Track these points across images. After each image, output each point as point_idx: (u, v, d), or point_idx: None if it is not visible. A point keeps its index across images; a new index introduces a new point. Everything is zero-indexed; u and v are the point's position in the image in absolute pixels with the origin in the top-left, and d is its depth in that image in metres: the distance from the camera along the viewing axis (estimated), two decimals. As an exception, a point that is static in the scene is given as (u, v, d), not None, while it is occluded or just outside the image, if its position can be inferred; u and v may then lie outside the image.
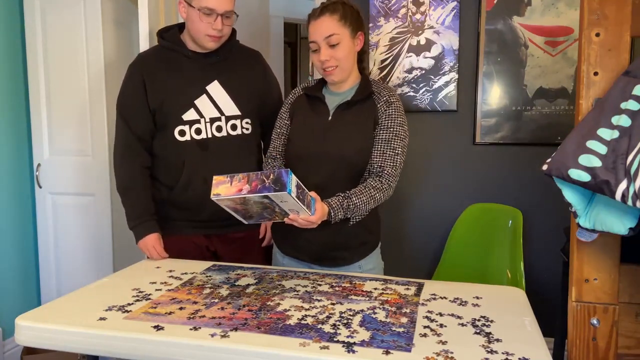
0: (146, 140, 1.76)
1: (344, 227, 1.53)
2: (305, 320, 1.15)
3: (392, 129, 1.52)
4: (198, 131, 1.73)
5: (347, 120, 1.55)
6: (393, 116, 1.53)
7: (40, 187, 2.71)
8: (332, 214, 1.41)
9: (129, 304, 1.24)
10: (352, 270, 1.59)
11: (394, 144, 1.52)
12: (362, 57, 1.63)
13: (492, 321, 1.16)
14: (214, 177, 1.29)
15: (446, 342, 1.05)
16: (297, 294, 1.32)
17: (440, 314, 1.20)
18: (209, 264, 1.62)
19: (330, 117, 1.57)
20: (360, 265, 1.60)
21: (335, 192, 1.48)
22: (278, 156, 1.68)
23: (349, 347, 1.02)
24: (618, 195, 0.93)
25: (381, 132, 1.53)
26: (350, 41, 1.53)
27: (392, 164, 1.51)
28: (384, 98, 1.55)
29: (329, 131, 1.55)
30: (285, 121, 1.66)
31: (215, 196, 1.27)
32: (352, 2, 1.58)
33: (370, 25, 2.66)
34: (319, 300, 1.27)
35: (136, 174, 1.76)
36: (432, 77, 2.61)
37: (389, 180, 1.51)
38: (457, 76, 2.59)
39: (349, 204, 1.44)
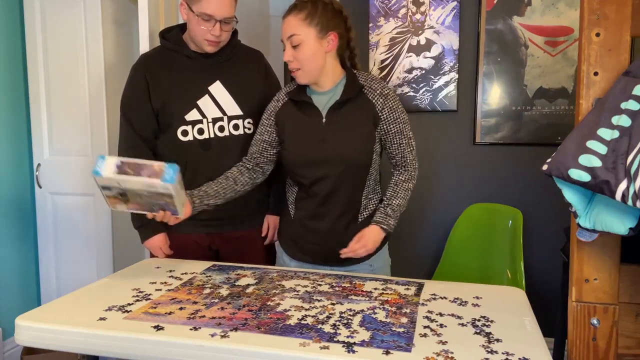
0: (150, 140, 1.77)
1: (351, 226, 1.55)
2: (305, 320, 1.15)
3: (399, 119, 1.53)
4: (200, 131, 1.73)
5: (343, 120, 1.52)
6: (394, 107, 1.53)
7: (40, 187, 2.71)
8: (385, 227, 1.51)
9: (129, 304, 1.24)
10: (363, 268, 1.60)
11: (405, 132, 1.55)
12: (352, 54, 1.58)
13: (492, 321, 1.16)
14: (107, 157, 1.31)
15: (446, 342, 1.05)
16: (297, 294, 1.32)
17: (440, 314, 1.20)
18: (209, 264, 1.62)
19: (324, 120, 1.53)
20: (372, 263, 1.61)
21: (345, 193, 1.52)
22: (252, 165, 1.64)
23: (349, 347, 1.02)
24: (618, 195, 0.93)
25: (390, 126, 1.53)
26: (315, 42, 1.46)
27: (410, 150, 1.57)
28: (378, 91, 1.53)
29: (326, 134, 1.52)
30: (268, 128, 1.61)
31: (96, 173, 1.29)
32: (333, 0, 1.49)
33: (370, 25, 2.66)
34: (319, 300, 1.27)
35: None
36: (432, 77, 2.61)
37: (413, 166, 1.58)
38: (457, 76, 2.59)
39: (393, 209, 1.53)
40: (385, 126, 1.53)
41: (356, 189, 1.54)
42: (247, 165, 1.65)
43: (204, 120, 1.73)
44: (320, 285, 1.40)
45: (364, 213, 1.58)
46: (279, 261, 1.72)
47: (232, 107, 1.75)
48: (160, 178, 1.29)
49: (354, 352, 1.00)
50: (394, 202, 1.54)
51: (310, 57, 1.47)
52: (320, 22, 1.45)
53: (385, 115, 1.52)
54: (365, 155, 1.52)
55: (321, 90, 1.56)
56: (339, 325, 1.12)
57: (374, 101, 1.52)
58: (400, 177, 1.58)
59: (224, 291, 1.34)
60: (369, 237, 1.50)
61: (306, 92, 1.57)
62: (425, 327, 1.13)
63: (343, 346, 1.02)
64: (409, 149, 1.56)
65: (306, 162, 1.54)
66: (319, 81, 1.54)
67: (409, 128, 1.56)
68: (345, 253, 1.50)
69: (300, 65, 1.47)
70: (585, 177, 0.97)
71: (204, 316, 1.17)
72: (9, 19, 2.60)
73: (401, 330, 1.10)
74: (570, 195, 1.04)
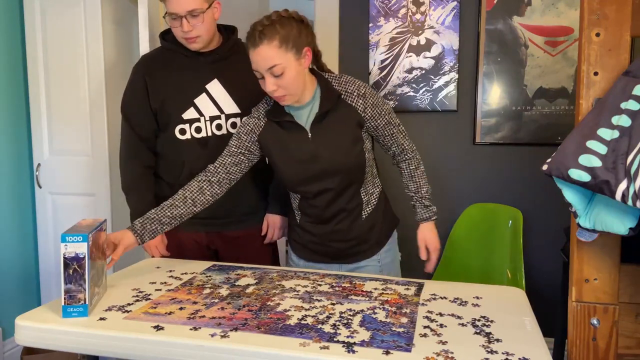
0: (149, 140, 1.78)
1: (356, 223, 1.57)
2: (305, 320, 1.15)
3: (384, 112, 1.53)
4: (198, 130, 1.73)
5: (328, 131, 1.49)
6: (375, 103, 1.51)
7: (40, 187, 2.71)
8: (434, 217, 1.63)
9: (129, 304, 1.24)
10: (371, 264, 1.62)
11: (393, 121, 1.56)
12: (316, 59, 1.52)
13: (492, 321, 1.16)
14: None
15: (446, 342, 1.05)
16: (297, 294, 1.32)
17: (440, 314, 1.20)
18: (208, 264, 1.62)
19: (309, 135, 1.49)
20: (380, 259, 1.63)
21: (348, 196, 1.53)
22: (219, 177, 1.52)
23: (349, 347, 1.02)
24: (618, 195, 0.93)
25: (378, 121, 1.52)
26: (295, 65, 1.38)
27: (403, 135, 1.60)
28: (355, 93, 1.49)
29: (316, 150, 1.48)
30: (247, 144, 1.53)
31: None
32: (292, 12, 1.41)
33: (370, 25, 2.66)
34: (319, 300, 1.27)
35: (139, 174, 1.78)
36: (432, 77, 2.61)
37: (412, 150, 1.62)
38: (457, 76, 2.59)
39: (427, 198, 1.63)
40: (372, 123, 1.52)
41: (357, 189, 1.55)
42: (212, 179, 1.52)
43: (202, 119, 1.73)
44: (320, 285, 1.40)
45: (367, 209, 1.59)
46: (288, 261, 1.74)
47: (230, 105, 1.75)
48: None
49: (354, 352, 1.00)
50: (422, 191, 1.63)
51: (295, 81, 1.40)
52: (294, 43, 1.37)
53: (369, 114, 1.51)
54: (358, 158, 1.51)
55: (299, 105, 1.50)
56: (339, 325, 1.12)
57: (354, 105, 1.50)
58: (411, 167, 1.63)
59: (224, 291, 1.34)
60: (431, 237, 1.63)
61: (285, 110, 1.51)
62: (425, 327, 1.13)
63: (343, 346, 1.02)
64: (401, 135, 1.59)
65: (302, 181, 1.52)
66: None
67: (394, 115, 1.57)
68: (430, 267, 1.64)
69: (286, 91, 1.40)
70: (585, 177, 0.97)
71: (204, 316, 1.17)
72: (9, 19, 2.60)
73: (401, 330, 1.10)
74: (570, 195, 1.04)
